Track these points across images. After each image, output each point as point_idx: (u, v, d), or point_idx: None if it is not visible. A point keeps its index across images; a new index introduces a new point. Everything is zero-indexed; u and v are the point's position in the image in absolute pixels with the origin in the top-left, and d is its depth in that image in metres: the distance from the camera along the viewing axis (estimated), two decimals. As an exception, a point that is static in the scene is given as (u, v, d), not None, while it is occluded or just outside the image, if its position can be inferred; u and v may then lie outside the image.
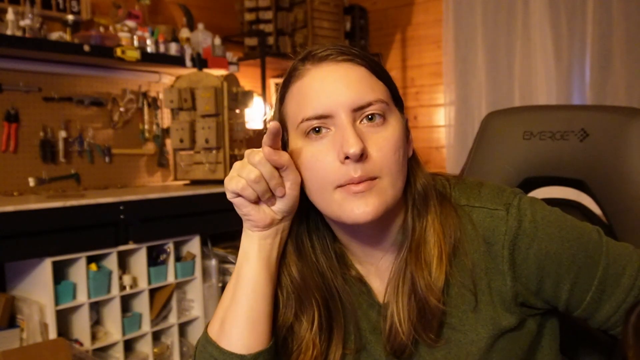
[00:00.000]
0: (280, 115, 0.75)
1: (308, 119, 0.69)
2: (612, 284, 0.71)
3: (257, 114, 3.32)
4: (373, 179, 0.68)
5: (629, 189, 0.91)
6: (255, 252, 0.72)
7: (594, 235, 0.73)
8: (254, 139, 3.22)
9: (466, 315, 0.73)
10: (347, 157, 0.66)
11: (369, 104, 0.69)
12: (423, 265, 0.72)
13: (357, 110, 0.68)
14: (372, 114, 0.69)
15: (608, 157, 0.93)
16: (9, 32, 2.34)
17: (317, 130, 0.69)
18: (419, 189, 0.74)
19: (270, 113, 0.78)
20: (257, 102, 3.27)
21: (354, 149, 0.65)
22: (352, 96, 0.68)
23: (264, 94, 3.25)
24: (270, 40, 3.33)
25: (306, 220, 0.77)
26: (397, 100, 0.75)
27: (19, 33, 2.37)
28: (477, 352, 0.73)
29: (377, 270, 0.78)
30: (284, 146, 0.74)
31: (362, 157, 0.66)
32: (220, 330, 0.73)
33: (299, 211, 0.74)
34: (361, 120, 0.69)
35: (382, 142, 0.69)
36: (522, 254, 0.71)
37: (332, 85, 0.69)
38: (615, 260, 0.72)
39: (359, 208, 0.67)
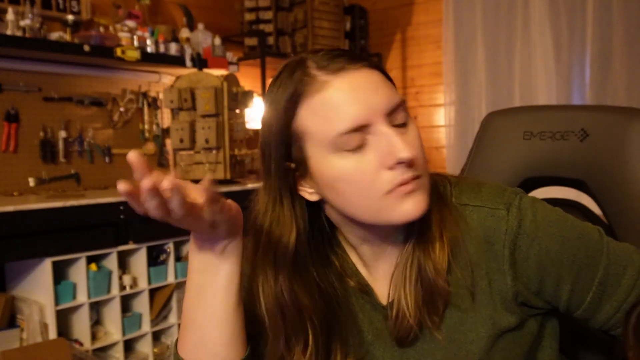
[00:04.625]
0: (289, 131, 0.69)
1: (346, 133, 0.65)
2: (613, 284, 0.71)
3: (257, 114, 3.32)
4: (418, 177, 0.68)
5: (629, 189, 0.91)
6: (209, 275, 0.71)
7: (595, 235, 0.73)
8: (254, 139, 3.22)
9: (466, 315, 0.73)
10: (398, 163, 0.66)
11: (398, 105, 0.68)
12: (430, 248, 0.72)
13: (390, 114, 0.67)
14: (401, 115, 0.69)
15: (608, 157, 0.93)
16: (9, 32, 2.34)
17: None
18: None
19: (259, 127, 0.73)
20: (257, 102, 3.27)
21: (407, 153, 0.65)
22: (383, 101, 0.67)
23: (264, 94, 3.25)
24: (270, 40, 3.33)
25: (307, 237, 0.74)
26: None
27: (19, 33, 2.37)
28: (477, 352, 0.73)
29: (383, 267, 0.77)
30: (302, 161, 0.70)
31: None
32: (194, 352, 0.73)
33: (298, 228, 0.72)
34: (393, 123, 0.68)
35: (414, 141, 0.69)
36: (522, 254, 0.71)
37: (363, 93, 0.66)
38: (617, 260, 0.72)
39: (412, 206, 0.67)
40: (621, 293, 0.71)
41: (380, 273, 0.78)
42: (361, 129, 0.66)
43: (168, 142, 3.07)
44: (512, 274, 0.72)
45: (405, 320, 0.72)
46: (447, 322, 0.74)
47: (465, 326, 0.73)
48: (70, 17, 2.62)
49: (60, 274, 2.23)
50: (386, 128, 0.66)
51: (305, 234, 0.73)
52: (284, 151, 0.70)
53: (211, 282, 0.71)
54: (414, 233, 0.73)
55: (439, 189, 0.77)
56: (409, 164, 0.66)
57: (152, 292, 2.49)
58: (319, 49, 0.72)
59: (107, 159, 2.87)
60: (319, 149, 0.68)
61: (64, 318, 2.24)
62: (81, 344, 2.23)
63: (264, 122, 0.72)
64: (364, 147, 0.67)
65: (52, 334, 2.13)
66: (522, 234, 0.71)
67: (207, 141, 2.82)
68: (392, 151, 0.65)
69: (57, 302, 2.15)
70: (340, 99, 0.66)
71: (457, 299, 0.73)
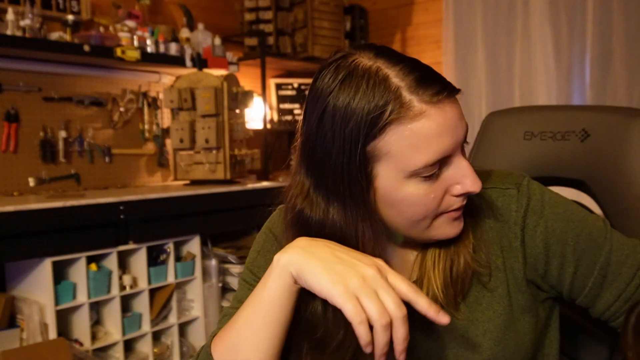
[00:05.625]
0: (366, 148, 0.65)
1: (433, 164, 0.65)
2: (614, 272, 0.73)
3: (257, 114, 3.32)
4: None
5: (630, 189, 0.91)
6: (287, 302, 0.67)
7: (599, 222, 0.76)
8: (254, 139, 3.22)
9: (484, 294, 0.75)
10: (464, 193, 0.68)
11: (467, 132, 0.69)
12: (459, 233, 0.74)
13: (464, 142, 0.69)
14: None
15: (609, 158, 0.93)
16: (9, 32, 2.33)
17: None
18: None
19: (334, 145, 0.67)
20: (257, 102, 3.27)
21: (476, 188, 0.67)
22: (464, 131, 0.68)
23: (264, 94, 3.25)
24: (270, 40, 3.33)
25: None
26: None
27: (19, 33, 2.37)
28: (494, 330, 0.74)
29: (400, 255, 0.78)
30: (366, 176, 0.67)
31: None
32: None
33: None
34: (462, 150, 0.70)
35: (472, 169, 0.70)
36: (530, 231, 0.74)
37: (454, 127, 0.66)
38: (619, 248, 0.73)
39: (455, 229, 0.71)
40: (621, 281, 0.72)
41: (398, 260, 0.78)
42: (442, 159, 0.66)
43: (168, 142, 3.07)
44: (522, 252, 0.74)
45: (435, 301, 0.72)
46: (466, 301, 0.75)
47: (483, 305, 0.75)
48: (70, 17, 2.62)
49: (60, 274, 2.23)
50: (462, 160, 0.68)
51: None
52: (356, 165, 0.66)
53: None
54: None
55: None
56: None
57: (152, 292, 2.48)
58: (385, 51, 0.68)
59: (107, 159, 2.87)
60: (394, 172, 0.66)
61: (64, 318, 2.24)
62: (81, 344, 2.23)
63: (324, 124, 0.66)
64: (438, 174, 0.67)
65: (52, 334, 2.13)
66: (530, 211, 0.74)
67: (207, 141, 2.82)
68: (464, 183, 0.67)
69: (57, 302, 2.15)
70: (434, 132, 0.64)
71: (478, 278, 0.75)
